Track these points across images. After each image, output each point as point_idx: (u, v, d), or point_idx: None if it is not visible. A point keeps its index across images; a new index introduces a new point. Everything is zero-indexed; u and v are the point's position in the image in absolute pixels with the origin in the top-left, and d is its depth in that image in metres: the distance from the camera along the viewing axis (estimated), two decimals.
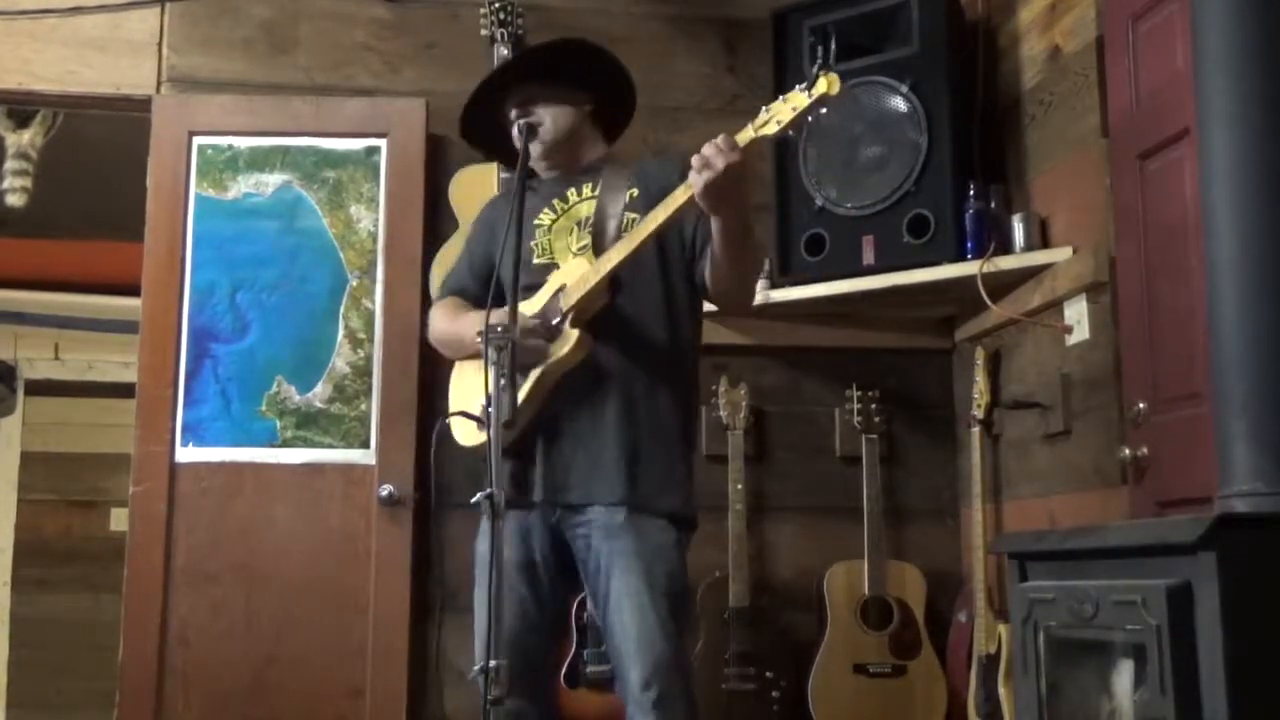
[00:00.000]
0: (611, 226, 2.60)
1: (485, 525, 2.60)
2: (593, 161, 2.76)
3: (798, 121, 2.31)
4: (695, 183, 2.35)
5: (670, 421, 2.61)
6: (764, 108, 2.36)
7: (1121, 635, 1.96)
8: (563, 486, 2.54)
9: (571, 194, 2.71)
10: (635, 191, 2.66)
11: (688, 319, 2.67)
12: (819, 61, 2.31)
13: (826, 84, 2.25)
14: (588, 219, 2.65)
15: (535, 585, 2.56)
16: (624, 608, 2.45)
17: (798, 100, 2.29)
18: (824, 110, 2.30)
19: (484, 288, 2.71)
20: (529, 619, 2.54)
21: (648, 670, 2.41)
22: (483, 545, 2.60)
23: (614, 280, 2.53)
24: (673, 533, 2.56)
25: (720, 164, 2.32)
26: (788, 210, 3.62)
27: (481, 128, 2.82)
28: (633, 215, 2.61)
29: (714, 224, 2.45)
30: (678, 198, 2.43)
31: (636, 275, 2.55)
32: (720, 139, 2.34)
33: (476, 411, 2.47)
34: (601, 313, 2.54)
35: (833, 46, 2.30)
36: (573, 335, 2.49)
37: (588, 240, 2.62)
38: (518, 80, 2.71)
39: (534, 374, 2.50)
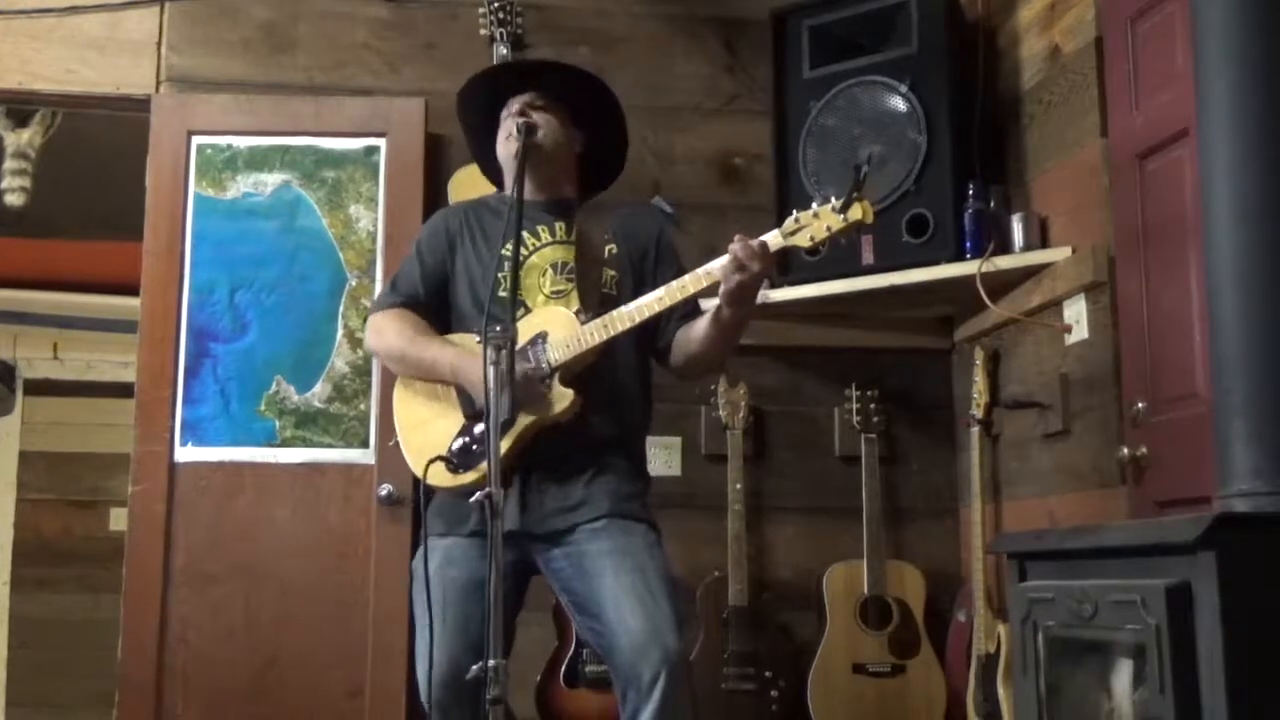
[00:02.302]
0: (593, 281, 2.62)
1: (431, 545, 2.57)
2: (566, 195, 2.74)
3: (828, 241, 2.39)
4: (728, 282, 2.40)
5: (638, 449, 2.69)
6: (794, 215, 2.42)
7: (1121, 635, 1.96)
8: (539, 520, 2.53)
9: (543, 231, 2.67)
10: (614, 248, 2.68)
11: (649, 374, 2.72)
12: (853, 186, 2.35)
13: (862, 211, 2.34)
14: (565, 264, 2.64)
15: (484, 605, 2.51)
16: (624, 605, 2.44)
17: (831, 220, 2.37)
18: (857, 234, 2.37)
19: (434, 300, 2.70)
20: (472, 639, 2.43)
21: (656, 665, 2.39)
22: (428, 564, 2.52)
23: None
24: (654, 535, 2.59)
25: (756, 268, 2.39)
26: (787, 210, 3.57)
27: (476, 114, 2.79)
28: (612, 272, 2.65)
29: (726, 314, 2.49)
30: (695, 282, 2.47)
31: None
32: (754, 243, 2.39)
33: (442, 450, 2.49)
34: (586, 370, 2.54)
35: (866, 168, 2.38)
36: (567, 395, 2.50)
37: (564, 287, 2.62)
38: (529, 88, 2.69)
39: (522, 424, 2.48)
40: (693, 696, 2.49)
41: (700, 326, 2.58)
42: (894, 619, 3.56)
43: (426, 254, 2.75)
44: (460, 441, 2.55)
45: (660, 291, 2.51)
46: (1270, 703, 1.72)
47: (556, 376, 2.50)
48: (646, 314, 2.50)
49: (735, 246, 2.39)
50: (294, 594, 3.49)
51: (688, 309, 2.62)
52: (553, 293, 2.62)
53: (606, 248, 2.67)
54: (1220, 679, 1.72)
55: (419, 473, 2.54)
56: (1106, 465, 3.01)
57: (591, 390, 2.53)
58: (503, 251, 2.58)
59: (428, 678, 2.46)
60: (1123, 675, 2.01)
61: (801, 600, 3.67)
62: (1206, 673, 1.75)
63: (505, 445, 2.43)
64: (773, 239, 2.42)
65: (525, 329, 2.54)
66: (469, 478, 2.50)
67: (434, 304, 2.71)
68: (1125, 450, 2.86)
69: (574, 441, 2.54)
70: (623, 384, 2.63)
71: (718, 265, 2.42)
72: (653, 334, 2.66)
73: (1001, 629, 3.26)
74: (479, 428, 2.53)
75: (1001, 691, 3.23)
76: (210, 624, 3.47)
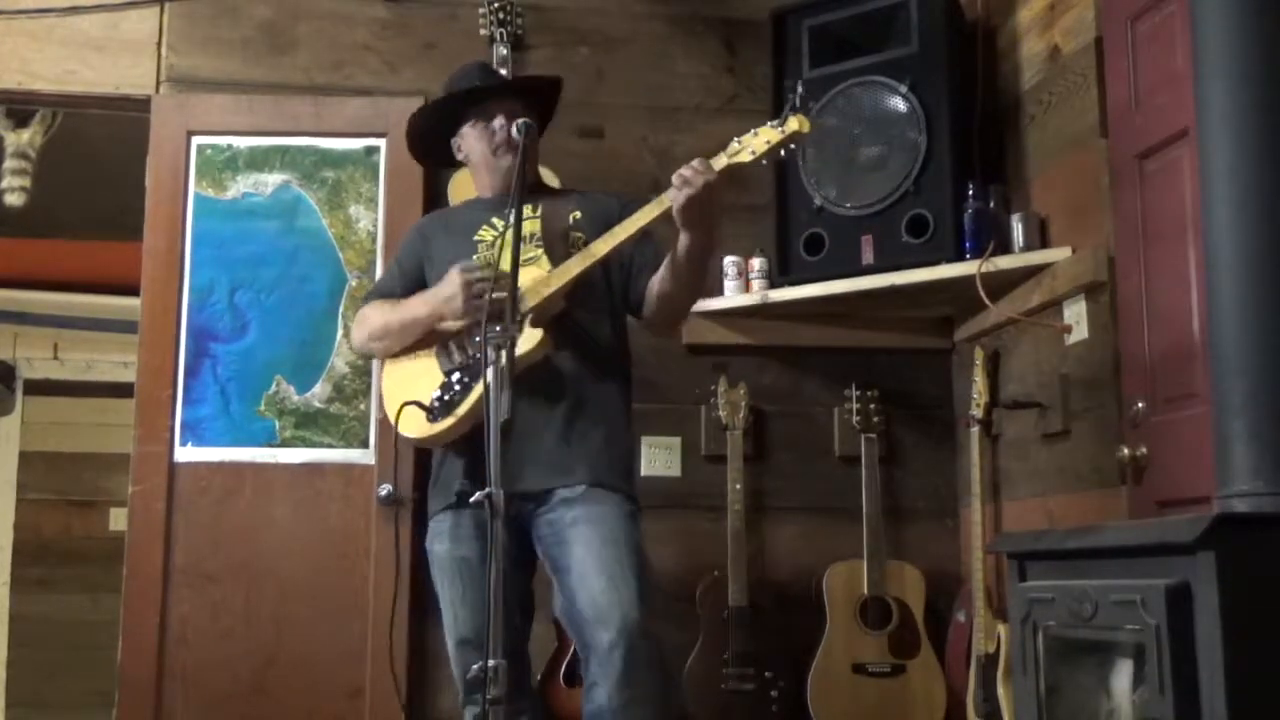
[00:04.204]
0: (560, 243, 2.75)
1: (439, 526, 2.72)
2: (534, 181, 2.87)
3: (769, 154, 2.52)
4: (676, 199, 2.51)
5: (617, 415, 2.75)
6: (736, 139, 2.56)
7: (1120, 635, 1.96)
8: (519, 476, 2.56)
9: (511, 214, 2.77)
10: (578, 214, 2.81)
11: (624, 326, 2.83)
12: (791, 101, 2.53)
13: (797, 123, 2.49)
14: (533, 235, 2.76)
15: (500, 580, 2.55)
16: (589, 573, 2.51)
17: (770, 135, 2.51)
18: (794, 146, 2.53)
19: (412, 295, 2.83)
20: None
21: (615, 632, 2.45)
22: (439, 546, 2.70)
23: (570, 287, 2.65)
24: (630, 506, 2.66)
25: (700, 182, 2.48)
26: (787, 210, 3.62)
27: (429, 129, 2.95)
28: (578, 234, 2.77)
29: (682, 240, 2.59)
30: (648, 213, 2.59)
31: (585, 284, 2.69)
32: (696, 162, 2.52)
33: (425, 402, 2.60)
34: (556, 317, 2.65)
35: (800, 90, 2.61)
36: (537, 334, 2.59)
37: (534, 253, 2.73)
38: (509, 96, 2.87)
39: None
40: (663, 673, 2.54)
41: (664, 267, 2.69)
42: (894, 619, 3.56)
43: (405, 258, 2.93)
44: (439, 393, 2.65)
45: (616, 227, 2.63)
46: (1270, 703, 1.72)
47: (528, 320, 2.59)
48: (605, 248, 2.62)
49: (682, 167, 2.51)
50: (294, 594, 3.49)
51: (656, 263, 2.73)
52: (525, 260, 2.71)
53: (571, 215, 2.81)
54: (1220, 679, 1.72)
55: (403, 430, 2.64)
56: (1106, 465, 3.01)
57: (563, 339, 2.65)
58: (475, 238, 2.78)
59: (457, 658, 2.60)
60: (1122, 675, 2.01)
61: (801, 600, 3.66)
62: (1206, 673, 1.75)
63: (478, 388, 2.52)
64: (716, 159, 2.54)
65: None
66: (445, 423, 2.60)
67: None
68: (1125, 450, 2.86)
69: (550, 391, 2.63)
70: (595, 335, 2.73)
71: (668, 191, 2.53)
72: (624, 292, 2.79)
73: (1001, 629, 3.26)
74: (455, 376, 2.64)
75: (1001, 691, 3.23)
76: (210, 624, 3.47)
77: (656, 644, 2.53)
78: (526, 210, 2.78)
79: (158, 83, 3.78)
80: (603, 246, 2.63)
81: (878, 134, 3.47)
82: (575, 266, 2.64)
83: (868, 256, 3.46)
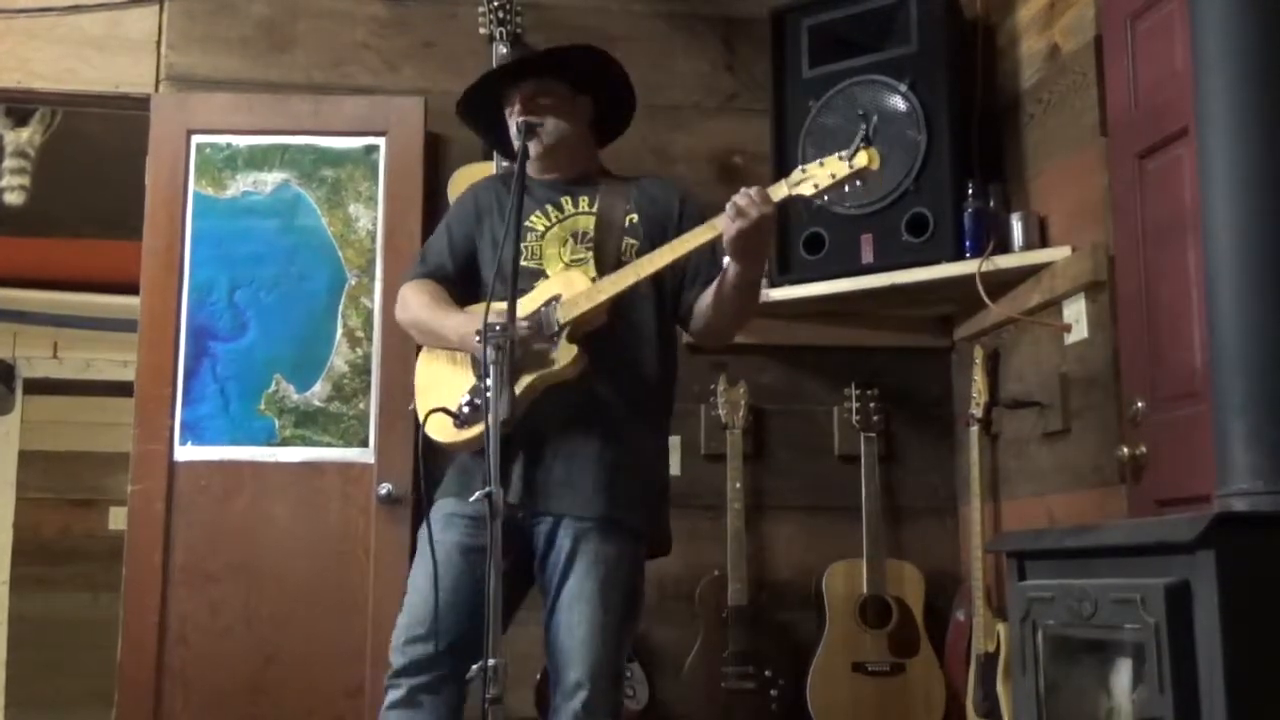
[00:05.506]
0: (612, 248, 2.64)
1: (441, 508, 2.62)
2: (587, 170, 2.78)
3: (833, 188, 2.38)
4: (727, 229, 2.40)
5: (650, 446, 2.67)
6: (800, 168, 2.42)
7: (1120, 634, 1.96)
8: (539, 496, 2.53)
9: (567, 203, 2.72)
10: (634, 216, 2.69)
11: (671, 345, 2.71)
12: (863, 134, 2.37)
13: (867, 158, 2.34)
14: (585, 234, 2.67)
15: (480, 569, 2.42)
16: (575, 609, 2.48)
17: (836, 168, 2.36)
18: (859, 183, 2.37)
19: (462, 272, 2.75)
20: (461, 598, 2.47)
21: (583, 673, 2.44)
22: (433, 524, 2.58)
23: (613, 302, 2.55)
24: (638, 547, 2.59)
25: (754, 214, 2.38)
26: (786, 209, 3.60)
27: (481, 113, 2.83)
28: (631, 241, 2.66)
29: (732, 270, 2.50)
30: (696, 237, 2.48)
31: (631, 298, 2.58)
32: (754, 191, 2.39)
33: (452, 408, 2.51)
34: (596, 331, 2.55)
35: (874, 122, 2.41)
36: (571, 350, 2.51)
37: (583, 255, 2.64)
38: (525, 78, 2.71)
39: (525, 380, 2.49)
40: (619, 712, 2.52)
41: (711, 290, 2.59)
42: (893, 618, 3.56)
43: (455, 226, 2.80)
44: (468, 399, 2.56)
45: (665, 247, 2.52)
46: (1269, 702, 1.72)
47: (564, 334, 2.51)
48: (650, 269, 2.50)
49: (736, 195, 2.40)
50: (293, 593, 3.49)
51: (712, 274, 2.62)
52: (572, 261, 2.64)
53: (628, 217, 2.69)
54: (1219, 678, 1.72)
55: (430, 431, 2.57)
56: (1106, 464, 3.01)
57: (603, 354, 2.54)
58: (526, 225, 2.64)
59: (407, 630, 2.53)
60: (1122, 674, 2.01)
61: (801, 599, 3.67)
62: (1205, 672, 1.75)
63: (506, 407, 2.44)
64: (776, 188, 2.43)
65: (540, 293, 2.57)
66: (471, 433, 2.51)
67: (462, 275, 2.75)
68: (1124, 449, 2.86)
69: (584, 410, 2.54)
70: (637, 357, 2.62)
71: (720, 216, 2.43)
72: (675, 300, 2.68)
73: (1001, 628, 3.26)
74: (487, 383, 2.52)
75: (1000, 690, 3.23)
76: (209, 623, 3.47)
77: (620, 685, 2.53)
78: (583, 203, 2.70)
79: (157, 81, 3.78)
80: (649, 266, 2.50)
81: (877, 133, 3.46)
82: (621, 281, 2.51)
83: (867, 255, 3.46)
